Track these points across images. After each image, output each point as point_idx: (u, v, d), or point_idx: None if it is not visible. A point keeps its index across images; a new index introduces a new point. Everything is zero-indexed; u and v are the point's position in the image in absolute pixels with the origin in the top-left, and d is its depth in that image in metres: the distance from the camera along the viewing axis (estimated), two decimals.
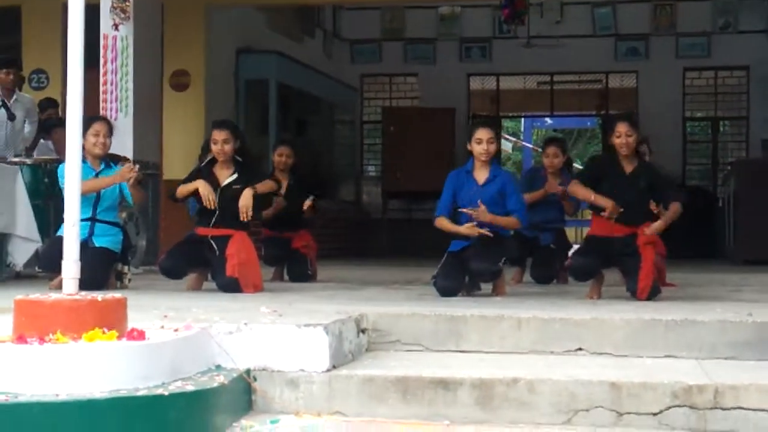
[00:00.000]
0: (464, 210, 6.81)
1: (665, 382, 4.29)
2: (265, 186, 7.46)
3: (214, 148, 7.35)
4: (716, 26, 17.36)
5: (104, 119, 7.86)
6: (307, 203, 8.52)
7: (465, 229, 6.80)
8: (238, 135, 7.47)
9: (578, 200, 8.21)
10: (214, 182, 7.32)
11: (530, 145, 22.91)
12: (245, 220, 7.20)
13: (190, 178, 7.38)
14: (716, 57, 17.46)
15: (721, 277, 9.39)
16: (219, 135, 7.33)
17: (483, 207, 6.72)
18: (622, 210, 6.57)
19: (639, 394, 4.26)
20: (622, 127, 6.71)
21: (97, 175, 7.32)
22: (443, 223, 6.92)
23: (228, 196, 7.26)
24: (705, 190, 17.57)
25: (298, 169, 8.89)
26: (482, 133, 6.93)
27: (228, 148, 7.32)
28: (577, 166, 25.81)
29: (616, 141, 6.73)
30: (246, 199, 7.18)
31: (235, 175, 7.35)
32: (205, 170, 7.42)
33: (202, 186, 7.20)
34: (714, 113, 18.34)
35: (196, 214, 7.52)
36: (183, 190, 7.37)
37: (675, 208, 6.64)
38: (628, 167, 6.76)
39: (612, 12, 17.62)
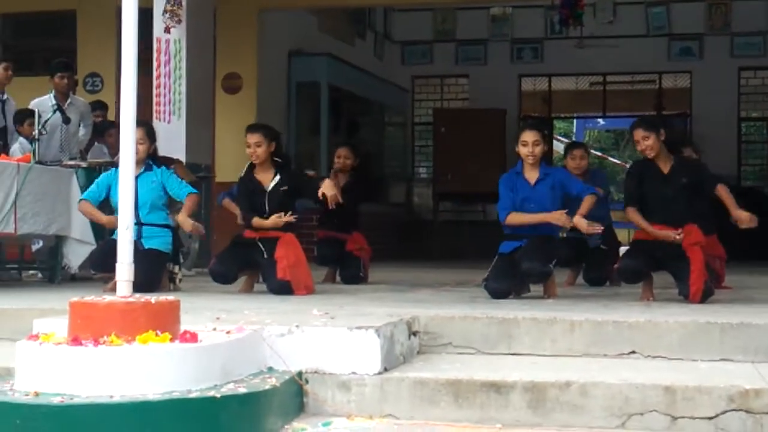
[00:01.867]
0: (591, 232, 6.80)
1: (720, 386, 4.24)
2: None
3: (248, 151, 7.39)
4: None
5: (141, 123, 7.80)
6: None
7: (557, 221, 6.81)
8: (273, 137, 7.46)
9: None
10: (257, 187, 7.38)
11: None
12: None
13: (239, 190, 7.52)
14: None
15: None
16: (251, 138, 7.36)
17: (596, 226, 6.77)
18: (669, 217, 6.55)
19: (694, 398, 4.22)
20: (637, 135, 6.71)
21: (135, 179, 7.31)
22: (520, 218, 6.88)
23: (275, 199, 7.30)
24: (760, 190, 17.34)
25: (358, 170, 8.90)
26: (527, 136, 6.97)
27: (261, 150, 7.33)
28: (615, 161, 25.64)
29: (638, 149, 6.72)
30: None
31: (278, 177, 7.36)
32: (246, 177, 7.49)
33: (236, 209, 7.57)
34: None
35: (243, 220, 7.55)
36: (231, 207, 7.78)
37: (722, 190, 6.62)
38: (665, 167, 6.70)
39: (666, 11, 17.43)
